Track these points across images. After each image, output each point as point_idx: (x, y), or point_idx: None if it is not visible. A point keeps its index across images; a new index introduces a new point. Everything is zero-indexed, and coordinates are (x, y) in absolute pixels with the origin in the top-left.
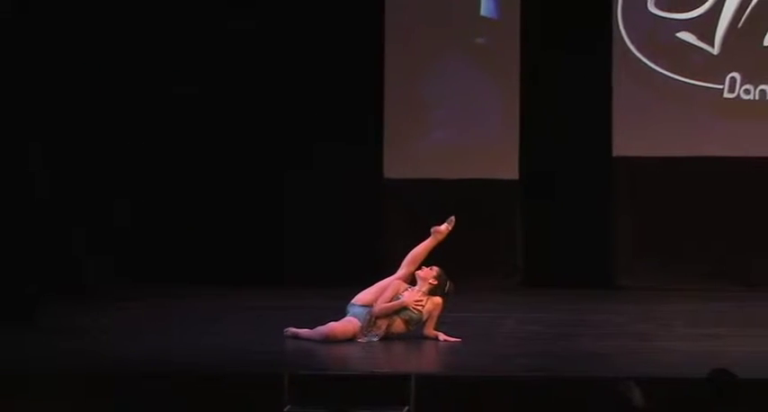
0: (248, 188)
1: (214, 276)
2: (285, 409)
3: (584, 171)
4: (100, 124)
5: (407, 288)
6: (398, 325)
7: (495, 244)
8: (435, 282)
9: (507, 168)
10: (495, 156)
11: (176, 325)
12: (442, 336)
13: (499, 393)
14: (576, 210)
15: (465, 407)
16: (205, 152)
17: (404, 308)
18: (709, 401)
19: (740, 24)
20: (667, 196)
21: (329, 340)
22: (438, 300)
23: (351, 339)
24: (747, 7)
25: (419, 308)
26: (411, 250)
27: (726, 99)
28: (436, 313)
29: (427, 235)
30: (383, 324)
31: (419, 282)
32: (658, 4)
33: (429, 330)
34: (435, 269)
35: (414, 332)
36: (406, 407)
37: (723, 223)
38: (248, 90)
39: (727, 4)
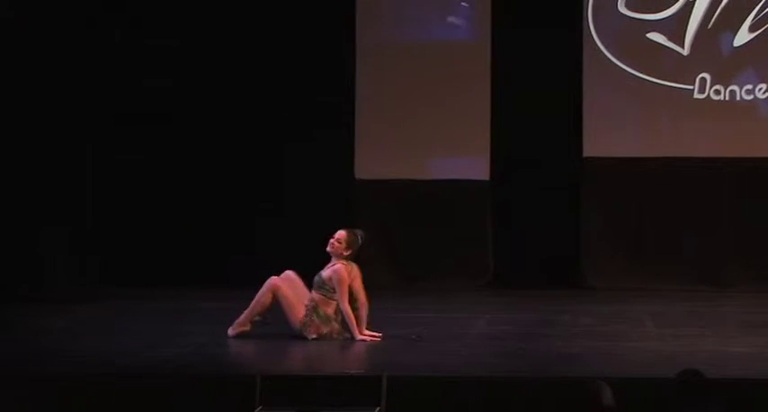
0: (218, 188)
1: (185, 278)
2: (257, 410)
3: (554, 172)
4: (72, 124)
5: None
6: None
7: (465, 244)
8: (348, 252)
9: (478, 169)
10: (467, 156)
11: (147, 325)
12: (366, 337)
13: (470, 393)
14: (546, 210)
15: (436, 407)
16: (171, 151)
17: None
18: (679, 401)
19: (710, 25)
20: (638, 197)
21: (275, 295)
22: (345, 267)
23: (292, 316)
24: (717, 8)
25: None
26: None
27: (696, 100)
28: (344, 285)
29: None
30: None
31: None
32: (628, 5)
33: (354, 327)
34: (342, 235)
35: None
36: (378, 408)
37: (693, 223)
38: (217, 89)
39: (697, 5)
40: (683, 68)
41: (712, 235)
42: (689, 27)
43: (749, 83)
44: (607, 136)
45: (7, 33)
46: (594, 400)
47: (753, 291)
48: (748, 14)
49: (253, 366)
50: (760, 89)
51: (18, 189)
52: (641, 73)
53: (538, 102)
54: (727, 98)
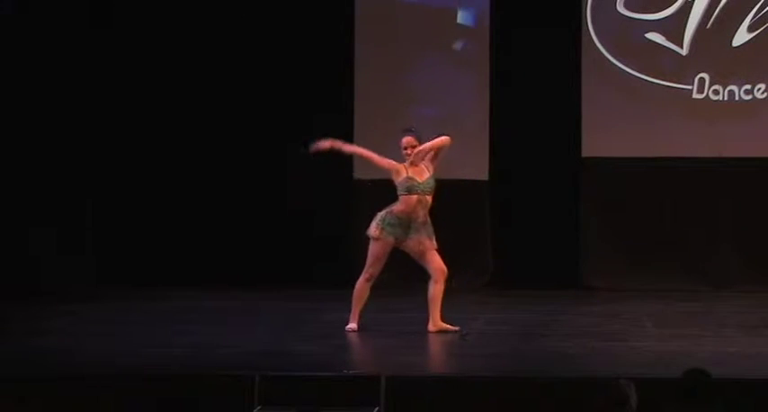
0: (217, 188)
1: (184, 278)
2: (256, 410)
3: (553, 172)
4: (67, 122)
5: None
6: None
7: (464, 244)
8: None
9: (477, 169)
10: (466, 156)
11: (147, 325)
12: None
13: (469, 394)
14: (545, 210)
15: (434, 407)
16: (171, 151)
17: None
18: (684, 401)
19: (709, 25)
20: (636, 197)
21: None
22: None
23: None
24: (716, 8)
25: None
26: None
27: (695, 99)
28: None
29: None
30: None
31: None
32: (627, 5)
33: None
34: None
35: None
36: (376, 408)
37: (691, 223)
38: (216, 89)
39: (695, 4)
40: (682, 68)
41: (712, 235)
42: (688, 27)
43: (748, 83)
44: (606, 136)
45: (8, 28)
46: (623, 399)
47: (752, 291)
48: (747, 14)
49: (251, 366)
50: (759, 89)
51: (15, 188)
52: (640, 73)
53: (537, 101)
54: (725, 98)
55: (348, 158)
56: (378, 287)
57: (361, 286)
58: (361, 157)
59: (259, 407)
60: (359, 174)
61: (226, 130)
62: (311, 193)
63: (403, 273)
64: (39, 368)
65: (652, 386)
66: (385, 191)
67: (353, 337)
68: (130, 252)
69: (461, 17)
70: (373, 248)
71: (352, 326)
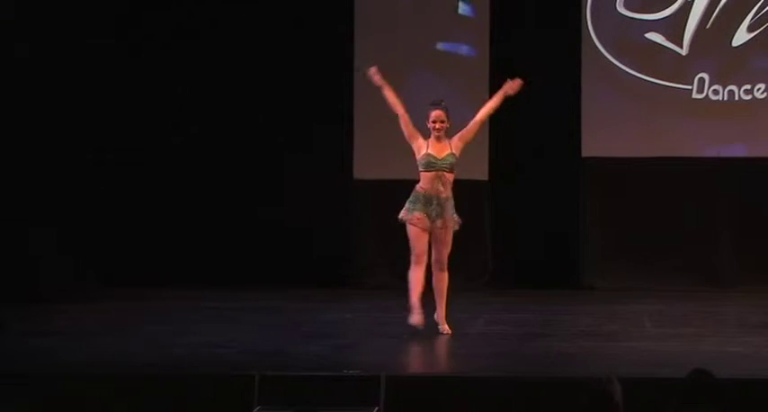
0: (216, 188)
1: (184, 278)
2: (255, 410)
3: (553, 172)
4: (67, 123)
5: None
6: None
7: (464, 244)
8: (443, 125)
9: (477, 169)
10: (465, 156)
11: (147, 325)
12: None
13: (469, 394)
14: (545, 210)
15: (434, 407)
16: (171, 152)
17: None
18: (687, 402)
19: (709, 25)
20: (636, 197)
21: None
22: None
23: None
24: (716, 8)
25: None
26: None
27: (694, 99)
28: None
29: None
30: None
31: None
32: (627, 5)
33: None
34: (433, 114)
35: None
36: (376, 408)
37: (692, 223)
38: (215, 88)
39: (695, 4)
40: (682, 68)
41: (711, 235)
42: (687, 27)
43: (748, 83)
44: (605, 136)
45: (5, 31)
46: (607, 396)
47: (752, 291)
48: (747, 14)
49: (251, 366)
50: (758, 89)
51: (12, 189)
52: (640, 73)
53: (536, 102)
54: (725, 98)
55: (348, 159)
56: (378, 287)
57: (411, 272)
58: (390, 104)
59: (259, 407)
60: (359, 174)
61: (225, 131)
62: (311, 194)
63: (404, 274)
64: (38, 368)
65: (652, 386)
66: (385, 191)
67: (353, 337)
68: (130, 252)
69: (462, 10)
70: (408, 231)
71: (414, 318)
